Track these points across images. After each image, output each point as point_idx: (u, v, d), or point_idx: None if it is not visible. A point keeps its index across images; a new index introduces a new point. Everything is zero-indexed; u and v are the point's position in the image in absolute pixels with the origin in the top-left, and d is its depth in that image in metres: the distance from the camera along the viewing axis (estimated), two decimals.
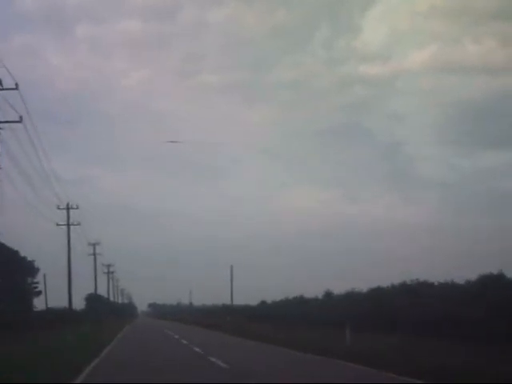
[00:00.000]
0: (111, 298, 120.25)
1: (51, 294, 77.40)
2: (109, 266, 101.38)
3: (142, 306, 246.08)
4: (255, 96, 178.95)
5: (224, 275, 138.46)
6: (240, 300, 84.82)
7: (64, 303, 69.13)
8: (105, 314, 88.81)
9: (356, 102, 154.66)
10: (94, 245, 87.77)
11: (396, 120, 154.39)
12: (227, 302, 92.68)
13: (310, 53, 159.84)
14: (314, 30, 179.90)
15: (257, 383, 15.94)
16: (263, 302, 65.93)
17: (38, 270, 72.93)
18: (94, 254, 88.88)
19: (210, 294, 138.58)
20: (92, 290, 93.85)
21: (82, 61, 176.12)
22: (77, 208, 64.23)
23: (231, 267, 61.22)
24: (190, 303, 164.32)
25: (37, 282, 73.94)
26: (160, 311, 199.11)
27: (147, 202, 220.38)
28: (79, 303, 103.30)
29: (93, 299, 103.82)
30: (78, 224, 65.96)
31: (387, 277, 45.75)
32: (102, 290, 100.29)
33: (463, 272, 37.54)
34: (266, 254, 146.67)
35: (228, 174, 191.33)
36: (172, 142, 63.82)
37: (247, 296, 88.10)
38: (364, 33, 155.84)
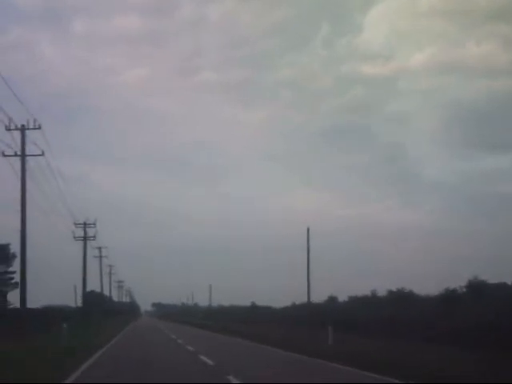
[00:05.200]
0: (108, 295, 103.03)
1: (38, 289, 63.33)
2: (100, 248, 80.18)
3: (145, 305, 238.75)
4: (254, 95, 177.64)
5: (238, 275, 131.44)
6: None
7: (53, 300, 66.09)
8: (98, 314, 71.09)
9: (357, 102, 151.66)
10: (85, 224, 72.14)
11: (397, 121, 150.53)
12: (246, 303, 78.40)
13: (311, 52, 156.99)
14: (314, 28, 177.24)
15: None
16: (332, 299, 46.35)
17: (14, 256, 56.64)
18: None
19: (222, 294, 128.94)
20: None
21: (78, 57, 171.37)
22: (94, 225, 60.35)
23: (308, 230, 40.32)
24: (195, 303, 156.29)
25: (13, 272, 57.60)
26: (164, 311, 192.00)
27: (153, 202, 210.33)
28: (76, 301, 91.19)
29: (90, 297, 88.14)
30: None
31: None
32: (95, 286, 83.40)
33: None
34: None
35: (228, 174, 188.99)
36: None
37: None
38: (365, 32, 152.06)
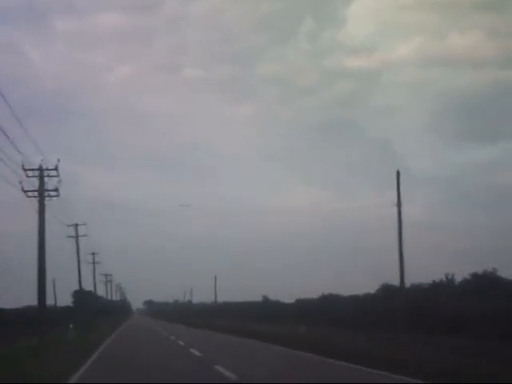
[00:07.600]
0: (97, 293, 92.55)
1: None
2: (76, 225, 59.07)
3: (137, 303, 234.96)
4: (240, 92, 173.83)
5: (237, 273, 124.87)
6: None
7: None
8: (85, 314, 61.49)
9: (343, 96, 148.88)
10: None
11: (383, 114, 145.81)
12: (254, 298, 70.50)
13: (295, 46, 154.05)
14: (298, 23, 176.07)
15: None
16: (386, 288, 35.83)
17: None
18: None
19: (222, 291, 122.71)
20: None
21: (62, 56, 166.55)
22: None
23: (397, 173, 31.25)
24: (189, 301, 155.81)
25: None
26: (156, 309, 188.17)
27: (141, 200, 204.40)
28: (65, 300, 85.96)
29: (79, 295, 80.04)
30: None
31: None
32: (86, 284, 73.70)
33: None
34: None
35: (217, 172, 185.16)
36: None
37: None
38: (349, 25, 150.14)
